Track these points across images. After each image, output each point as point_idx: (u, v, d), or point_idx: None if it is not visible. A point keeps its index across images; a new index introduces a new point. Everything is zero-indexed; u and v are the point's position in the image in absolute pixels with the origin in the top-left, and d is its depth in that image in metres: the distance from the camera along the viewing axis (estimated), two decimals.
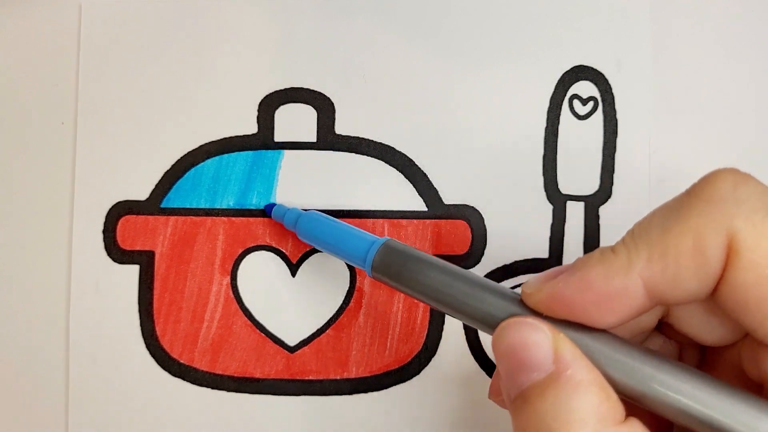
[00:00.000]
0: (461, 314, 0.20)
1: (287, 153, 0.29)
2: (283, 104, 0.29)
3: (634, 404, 0.17)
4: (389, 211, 0.29)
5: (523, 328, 0.18)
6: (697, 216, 0.16)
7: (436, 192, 0.29)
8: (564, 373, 0.17)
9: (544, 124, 0.29)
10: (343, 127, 0.29)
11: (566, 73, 0.29)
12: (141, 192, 0.29)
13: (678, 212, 0.17)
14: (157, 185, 0.29)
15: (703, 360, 0.21)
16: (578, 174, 0.29)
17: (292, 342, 0.29)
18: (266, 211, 0.29)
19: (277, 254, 0.29)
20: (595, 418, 0.16)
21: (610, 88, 0.29)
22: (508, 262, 0.29)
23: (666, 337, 0.21)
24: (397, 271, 0.22)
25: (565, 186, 0.29)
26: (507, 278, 0.29)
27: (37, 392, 0.29)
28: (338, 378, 0.29)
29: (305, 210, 0.28)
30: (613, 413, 0.16)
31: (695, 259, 0.16)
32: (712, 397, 0.16)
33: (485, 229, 0.29)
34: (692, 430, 0.17)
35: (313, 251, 0.29)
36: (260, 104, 0.29)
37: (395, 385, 0.29)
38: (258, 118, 0.29)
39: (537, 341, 0.18)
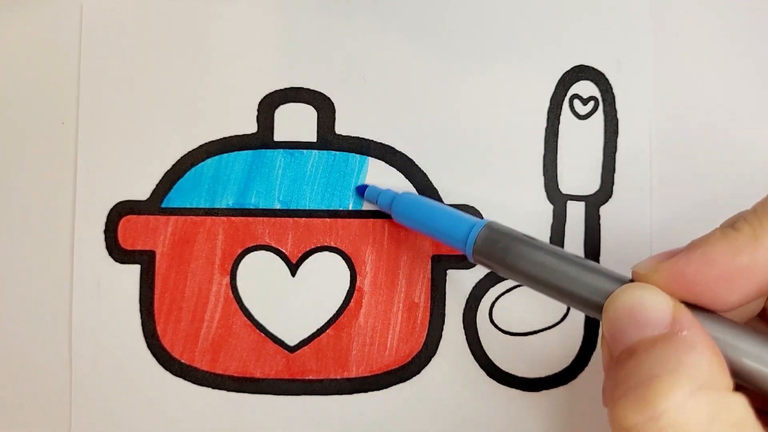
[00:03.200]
0: (568, 297, 0.20)
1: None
2: (283, 104, 0.29)
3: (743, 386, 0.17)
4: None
5: (642, 290, 0.18)
6: None
7: (436, 192, 0.29)
8: (679, 333, 0.17)
9: (545, 124, 0.29)
10: (343, 127, 0.29)
11: (567, 72, 0.29)
12: (142, 192, 0.29)
13: None
14: (157, 185, 0.29)
15: None
16: (579, 174, 0.29)
17: (292, 342, 0.29)
18: (357, 193, 0.29)
19: (277, 254, 0.29)
20: (703, 377, 0.16)
21: (611, 88, 0.29)
22: None
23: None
24: (500, 253, 0.22)
25: (565, 186, 0.29)
26: (507, 278, 0.29)
27: (40, 391, 0.29)
28: (338, 378, 0.29)
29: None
30: (721, 379, 0.16)
31: None
32: None
33: None
34: None
35: (313, 251, 0.29)
36: (260, 104, 0.29)
37: (395, 385, 0.29)
38: (258, 117, 0.29)
39: (655, 303, 0.17)
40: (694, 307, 0.18)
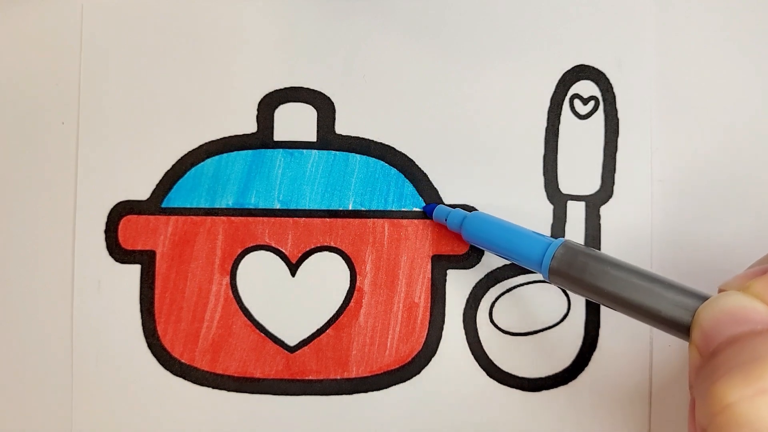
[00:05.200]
0: (649, 316, 0.20)
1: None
2: (282, 104, 0.29)
3: None
4: (389, 211, 0.29)
5: (739, 296, 0.18)
6: None
7: (437, 192, 0.29)
8: None
9: (545, 124, 0.29)
10: (343, 127, 0.29)
11: (567, 72, 0.29)
12: (142, 192, 0.29)
13: None
14: (157, 185, 0.29)
15: None
16: (579, 174, 0.29)
17: (292, 342, 0.29)
18: (426, 212, 0.29)
19: (277, 254, 0.29)
20: None
21: (611, 88, 0.29)
22: (508, 262, 0.29)
23: None
24: (578, 273, 0.21)
25: (565, 186, 0.29)
26: (507, 278, 0.29)
27: (41, 391, 0.29)
28: (338, 378, 0.29)
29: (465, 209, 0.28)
30: None
31: None
32: None
33: None
34: None
35: (313, 251, 0.29)
36: (260, 104, 0.29)
37: (395, 385, 0.29)
38: (258, 117, 0.29)
39: (754, 306, 0.17)
40: None
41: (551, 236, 0.29)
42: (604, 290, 0.21)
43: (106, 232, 0.29)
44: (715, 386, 0.16)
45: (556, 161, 0.29)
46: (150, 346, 0.29)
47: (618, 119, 0.29)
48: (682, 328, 0.19)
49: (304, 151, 0.29)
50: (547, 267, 0.22)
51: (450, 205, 0.29)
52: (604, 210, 0.29)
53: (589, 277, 0.21)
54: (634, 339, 0.28)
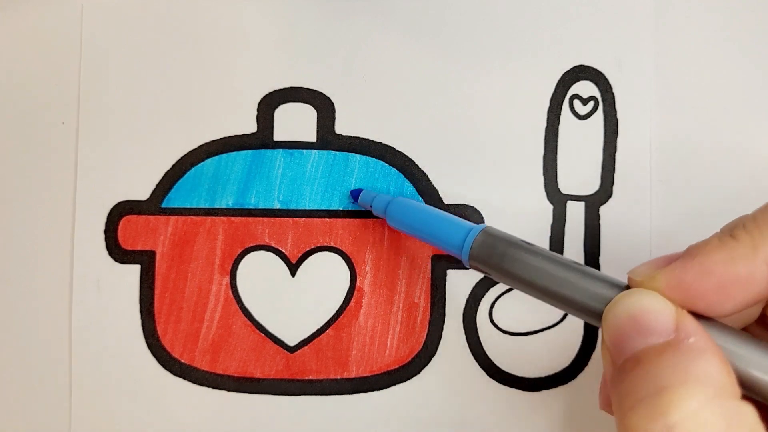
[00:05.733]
0: (565, 303, 0.20)
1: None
2: (282, 104, 0.29)
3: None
4: None
5: (643, 296, 0.18)
6: None
7: (437, 192, 0.29)
8: (685, 340, 0.16)
9: (545, 124, 0.29)
10: (343, 127, 0.29)
11: (566, 72, 0.29)
12: (142, 192, 0.29)
13: None
14: (157, 185, 0.29)
15: None
16: (579, 174, 0.29)
17: (292, 342, 0.29)
18: (351, 196, 0.29)
19: (277, 254, 0.29)
20: (714, 385, 0.15)
21: (611, 88, 0.29)
22: None
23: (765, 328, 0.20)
24: (497, 259, 0.21)
25: (565, 186, 0.29)
26: None
27: (40, 391, 0.29)
28: (338, 378, 0.29)
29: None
30: (731, 387, 0.16)
31: None
32: None
33: None
34: None
35: (313, 251, 0.29)
36: (260, 104, 0.29)
37: (395, 385, 0.29)
38: (257, 117, 0.29)
39: (658, 309, 0.17)
40: (691, 313, 0.18)
41: (551, 236, 0.29)
42: (521, 276, 0.21)
43: (105, 232, 0.29)
44: (626, 418, 0.16)
45: (556, 161, 0.29)
46: (150, 346, 0.29)
47: (617, 119, 0.29)
48: (597, 318, 0.19)
49: (304, 151, 0.29)
50: (467, 252, 0.22)
51: (445, 207, 0.29)
52: (604, 210, 0.29)
53: (508, 263, 0.21)
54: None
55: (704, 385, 0.15)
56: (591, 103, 0.29)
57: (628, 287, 0.19)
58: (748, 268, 0.17)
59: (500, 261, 0.21)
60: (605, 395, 0.22)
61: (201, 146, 0.29)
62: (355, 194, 0.28)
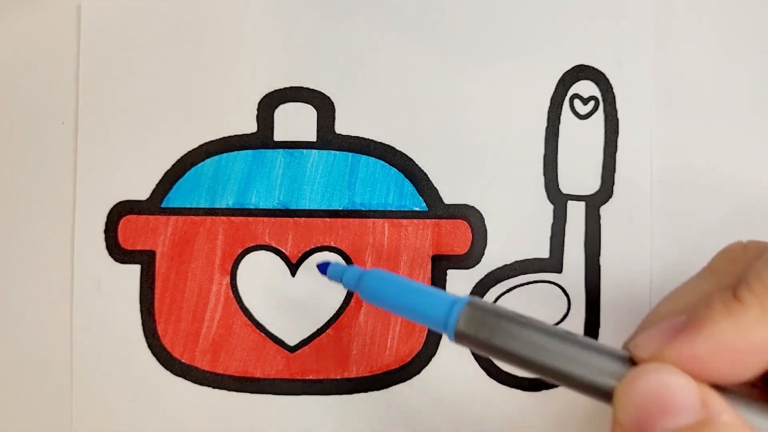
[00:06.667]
0: (566, 379, 0.19)
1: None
2: (282, 103, 0.29)
3: None
4: (389, 211, 0.29)
5: (664, 373, 0.16)
6: None
7: (437, 192, 0.29)
8: (718, 418, 0.16)
9: (545, 124, 0.29)
10: (343, 126, 0.29)
11: (567, 72, 0.29)
12: (142, 192, 0.29)
13: None
14: (157, 185, 0.29)
15: None
16: (579, 174, 0.29)
17: (292, 342, 0.29)
18: (320, 270, 0.26)
19: (277, 254, 0.29)
20: None
21: (611, 88, 0.29)
22: (508, 261, 0.29)
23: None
24: (486, 336, 0.20)
25: (565, 186, 0.29)
26: (507, 278, 0.29)
27: (41, 391, 0.29)
28: (338, 378, 0.29)
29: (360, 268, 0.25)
30: None
31: None
32: None
33: (486, 229, 0.29)
34: None
35: (313, 251, 0.29)
36: (260, 103, 0.29)
37: (395, 385, 0.29)
38: (257, 117, 0.29)
39: (681, 385, 0.16)
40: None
41: (551, 236, 0.29)
42: (515, 354, 0.19)
43: (105, 232, 0.29)
44: None
45: (556, 161, 0.29)
46: (150, 346, 0.29)
47: (618, 119, 0.29)
48: (604, 395, 0.18)
49: (304, 151, 0.29)
50: (452, 329, 0.20)
51: (445, 207, 0.29)
52: (604, 210, 0.29)
53: (499, 340, 0.19)
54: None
55: None
56: (591, 103, 0.29)
57: (630, 359, 0.18)
58: (762, 334, 0.16)
59: (490, 337, 0.20)
60: None
61: (201, 146, 0.29)
62: (323, 268, 0.26)
